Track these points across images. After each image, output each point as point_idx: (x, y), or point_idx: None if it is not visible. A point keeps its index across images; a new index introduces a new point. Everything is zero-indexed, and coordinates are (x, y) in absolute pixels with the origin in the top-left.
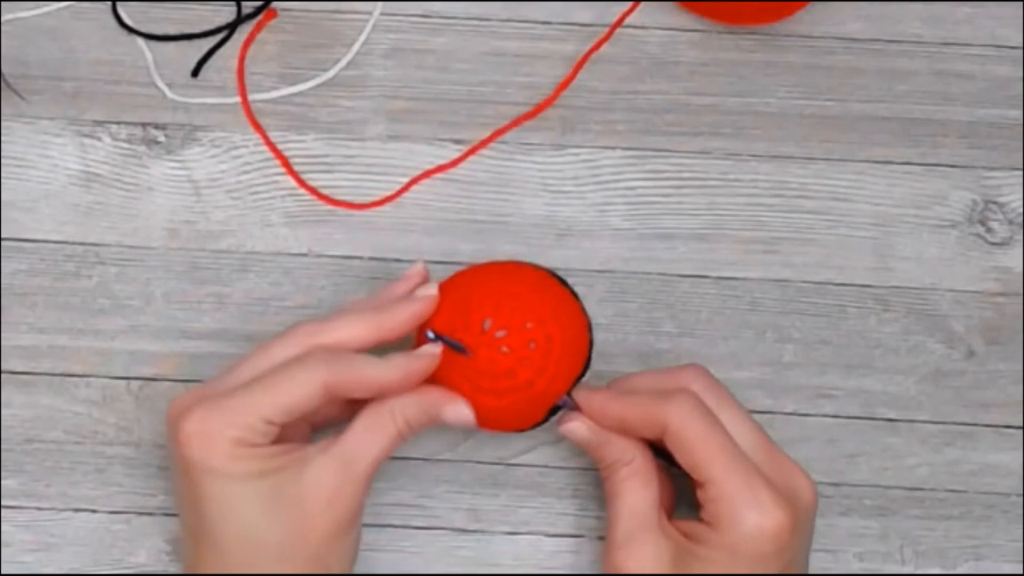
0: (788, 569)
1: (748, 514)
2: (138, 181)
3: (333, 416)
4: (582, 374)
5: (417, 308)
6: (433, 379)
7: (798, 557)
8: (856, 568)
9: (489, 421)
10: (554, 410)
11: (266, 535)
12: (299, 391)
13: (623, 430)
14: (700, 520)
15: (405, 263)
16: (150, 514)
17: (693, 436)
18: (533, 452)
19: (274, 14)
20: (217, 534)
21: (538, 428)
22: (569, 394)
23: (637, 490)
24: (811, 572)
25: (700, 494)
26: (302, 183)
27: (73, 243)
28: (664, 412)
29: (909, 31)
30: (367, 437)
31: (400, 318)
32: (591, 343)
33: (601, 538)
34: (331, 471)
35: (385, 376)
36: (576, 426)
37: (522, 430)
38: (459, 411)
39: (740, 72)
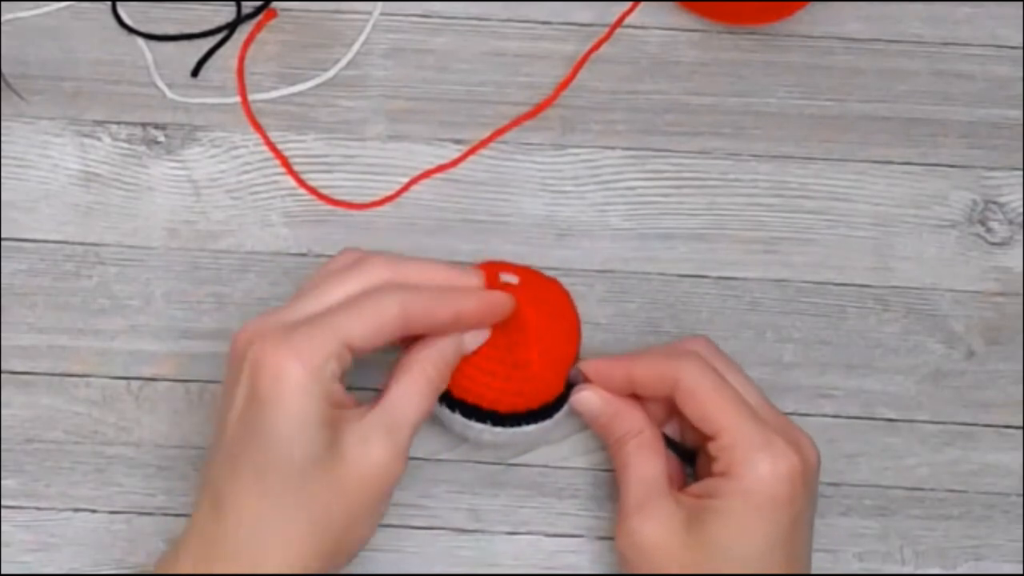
0: (796, 525)
1: (762, 457)
2: (138, 181)
3: None
4: (579, 350)
5: (492, 297)
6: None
7: (804, 516)
8: (856, 568)
9: (514, 394)
10: (568, 388)
11: (329, 474)
12: (381, 317)
13: (633, 390)
14: (712, 476)
15: None
16: (150, 514)
17: (704, 389)
18: (533, 452)
19: (274, 14)
20: (283, 465)
21: (560, 411)
22: (577, 367)
23: (647, 460)
24: (811, 572)
25: (713, 446)
26: (302, 183)
27: (73, 243)
28: (675, 368)
29: (909, 31)
30: (406, 398)
31: (474, 283)
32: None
33: (601, 538)
34: (377, 442)
35: (463, 305)
36: (588, 395)
37: (546, 406)
38: (478, 337)
39: (740, 72)
